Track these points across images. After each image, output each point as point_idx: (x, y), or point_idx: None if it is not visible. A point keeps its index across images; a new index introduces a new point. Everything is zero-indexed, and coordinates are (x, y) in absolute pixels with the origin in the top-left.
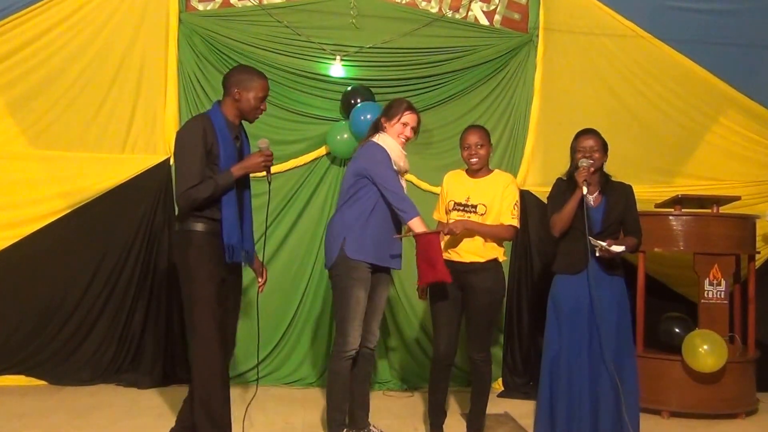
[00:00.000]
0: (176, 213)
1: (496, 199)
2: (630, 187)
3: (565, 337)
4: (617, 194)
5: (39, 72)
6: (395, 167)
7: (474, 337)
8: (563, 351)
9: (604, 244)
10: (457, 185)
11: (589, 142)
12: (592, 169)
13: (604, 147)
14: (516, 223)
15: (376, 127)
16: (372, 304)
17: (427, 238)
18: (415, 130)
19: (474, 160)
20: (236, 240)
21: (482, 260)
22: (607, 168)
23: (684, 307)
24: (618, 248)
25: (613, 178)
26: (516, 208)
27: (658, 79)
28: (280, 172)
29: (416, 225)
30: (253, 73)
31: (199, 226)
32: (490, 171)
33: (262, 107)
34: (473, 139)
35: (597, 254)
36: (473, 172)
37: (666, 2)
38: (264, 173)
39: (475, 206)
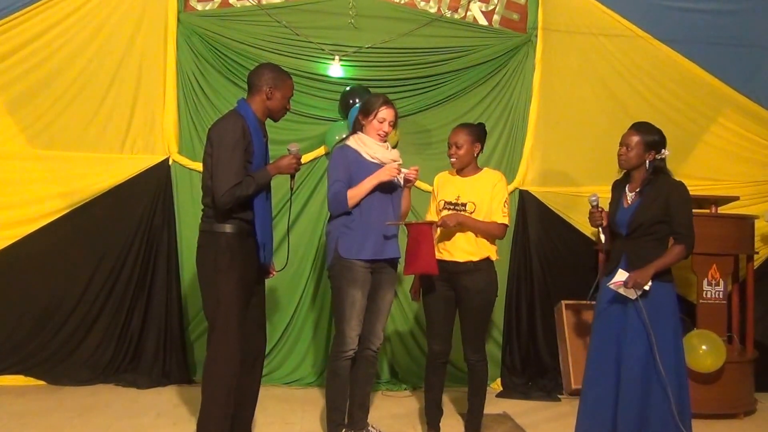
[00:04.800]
0: (203, 214)
1: (485, 197)
2: (677, 185)
3: (595, 341)
4: (656, 194)
5: (38, 71)
6: (374, 161)
7: (469, 339)
8: (592, 355)
9: (615, 286)
10: (446, 185)
11: (626, 138)
12: (601, 209)
13: (648, 145)
14: (507, 221)
15: (355, 126)
16: (375, 307)
17: (419, 228)
18: (393, 124)
19: (453, 160)
20: (269, 239)
21: (475, 259)
22: (607, 168)
23: (683, 307)
24: (629, 293)
25: (672, 176)
26: (506, 206)
27: (657, 79)
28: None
29: (357, 193)
30: (282, 72)
31: (229, 228)
32: (479, 169)
33: (288, 107)
34: (452, 139)
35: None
36: (460, 171)
37: (665, 2)
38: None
39: (464, 204)
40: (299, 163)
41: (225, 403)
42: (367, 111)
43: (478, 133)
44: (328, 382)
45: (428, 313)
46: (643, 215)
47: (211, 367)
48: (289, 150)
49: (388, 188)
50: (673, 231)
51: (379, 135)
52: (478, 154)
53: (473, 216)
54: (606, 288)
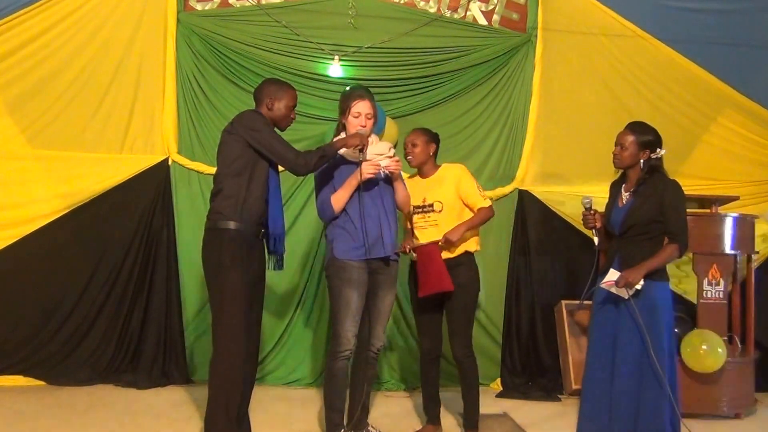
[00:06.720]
0: (208, 211)
1: (450, 193)
2: (670, 184)
3: (592, 341)
4: (649, 193)
5: (37, 72)
6: (358, 160)
7: (455, 335)
8: (591, 356)
9: (607, 285)
10: (412, 189)
11: (621, 137)
12: (594, 211)
13: (642, 144)
14: (490, 201)
15: (338, 129)
16: (375, 308)
17: (426, 249)
18: (371, 116)
19: (409, 158)
20: (280, 230)
21: (453, 255)
22: (607, 168)
23: (683, 307)
24: (621, 292)
25: (667, 175)
26: (480, 189)
27: (657, 79)
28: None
29: (339, 197)
30: (282, 83)
31: (233, 224)
32: (437, 167)
33: (292, 116)
34: (407, 139)
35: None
36: (421, 172)
37: (665, 2)
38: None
39: (431, 205)
40: (365, 140)
41: (230, 397)
42: (342, 109)
43: (434, 136)
44: (326, 383)
45: (416, 312)
46: (636, 215)
47: (215, 363)
48: (358, 131)
49: (373, 184)
50: (666, 230)
51: (360, 131)
52: (434, 154)
53: (443, 214)
54: (599, 288)
